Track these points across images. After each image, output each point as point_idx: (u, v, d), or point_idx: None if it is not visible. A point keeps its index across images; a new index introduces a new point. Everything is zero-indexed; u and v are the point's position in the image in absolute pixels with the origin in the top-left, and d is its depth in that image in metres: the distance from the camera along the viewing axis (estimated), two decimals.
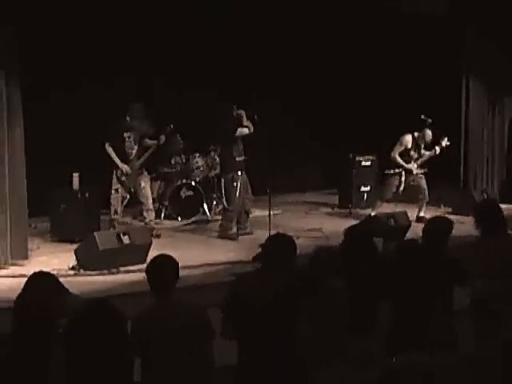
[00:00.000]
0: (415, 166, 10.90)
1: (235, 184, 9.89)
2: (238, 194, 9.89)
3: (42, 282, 4.13)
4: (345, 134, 12.79)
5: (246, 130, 9.94)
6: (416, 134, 10.83)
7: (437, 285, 5.32)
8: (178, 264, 4.53)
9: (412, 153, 10.86)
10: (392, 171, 10.89)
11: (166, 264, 4.51)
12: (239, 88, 11.43)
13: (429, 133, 10.76)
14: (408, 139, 10.84)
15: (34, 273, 4.20)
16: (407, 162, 10.84)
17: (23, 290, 4.08)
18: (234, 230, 10.08)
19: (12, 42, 8.46)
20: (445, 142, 10.78)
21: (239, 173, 9.94)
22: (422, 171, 10.95)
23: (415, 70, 12.62)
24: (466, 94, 12.24)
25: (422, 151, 10.90)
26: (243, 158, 10.05)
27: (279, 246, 4.86)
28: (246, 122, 9.92)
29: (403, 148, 10.84)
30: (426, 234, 5.69)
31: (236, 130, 9.90)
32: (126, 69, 11.08)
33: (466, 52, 12.06)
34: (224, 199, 10.02)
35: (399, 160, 10.84)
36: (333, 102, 13.02)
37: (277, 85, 12.30)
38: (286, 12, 12.01)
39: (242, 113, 9.93)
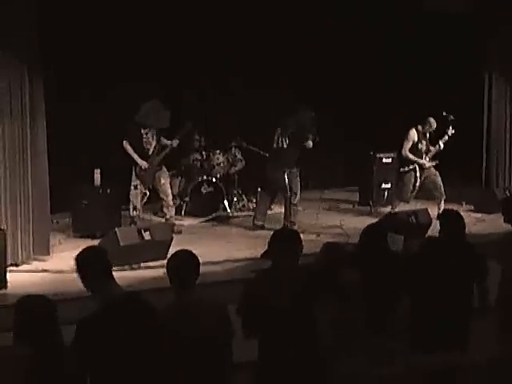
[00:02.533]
0: (427, 159, 10.91)
1: (299, 178, 10.16)
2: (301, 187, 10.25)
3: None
4: (366, 130, 12.76)
5: (310, 144, 10.20)
6: (420, 126, 10.83)
7: (458, 281, 5.32)
8: (198, 259, 4.47)
9: (420, 146, 10.88)
10: (407, 168, 10.91)
11: (186, 259, 4.45)
12: (261, 84, 11.44)
13: (432, 121, 10.79)
14: (413, 133, 10.88)
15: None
16: (418, 157, 10.85)
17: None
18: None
19: (33, 38, 8.52)
20: (450, 131, 10.77)
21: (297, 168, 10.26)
22: (434, 163, 10.94)
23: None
24: (489, 91, 12.17)
25: (430, 146, 10.90)
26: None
27: (284, 240, 4.83)
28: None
29: (411, 143, 10.86)
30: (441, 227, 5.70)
31: (307, 139, 10.19)
32: (148, 67, 11.11)
33: (489, 49, 11.98)
34: (289, 192, 10.11)
35: (411, 156, 10.86)
36: (354, 99, 12.98)
37: (298, 82, 12.29)
38: (308, 12, 12.05)
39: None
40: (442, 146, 10.84)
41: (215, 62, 11.68)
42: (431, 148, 10.92)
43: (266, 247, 4.87)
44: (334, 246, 5.32)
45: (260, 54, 11.97)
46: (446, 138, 10.83)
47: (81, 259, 4.21)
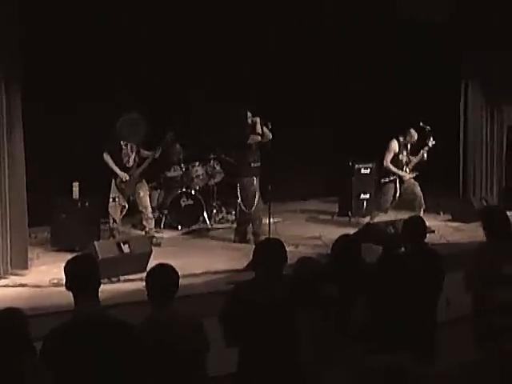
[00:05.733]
0: (407, 170, 10.96)
1: (253, 188, 9.98)
2: (257, 197, 9.99)
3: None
4: (345, 141, 12.82)
5: (258, 138, 10.04)
6: (401, 137, 10.88)
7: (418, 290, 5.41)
8: (177, 274, 4.43)
9: (401, 156, 10.91)
10: (387, 179, 10.94)
11: (165, 274, 4.42)
12: (241, 94, 11.45)
13: (413, 132, 10.82)
14: (394, 144, 10.89)
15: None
16: (399, 168, 10.89)
17: None
18: (250, 235, 10.19)
19: (15, 52, 8.48)
20: (431, 142, 10.83)
21: (254, 178, 10.04)
22: (414, 175, 10.99)
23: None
24: (465, 101, 12.27)
25: (411, 157, 10.96)
26: (258, 164, 10.12)
27: (269, 252, 4.83)
28: (259, 130, 10.01)
29: (392, 153, 10.89)
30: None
31: (249, 136, 10.02)
32: (126, 78, 11.09)
33: (465, 59, 12.08)
34: (242, 204, 10.04)
35: (392, 167, 10.88)
36: (333, 109, 13.05)
37: (277, 92, 12.32)
38: (282, 16, 12.13)
39: (257, 120, 10.01)
40: (423, 157, 10.89)
41: (194, 74, 11.68)
42: (412, 159, 10.97)
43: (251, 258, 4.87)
44: (307, 261, 5.28)
45: (239, 67, 12.00)
46: (427, 149, 10.87)
47: (73, 268, 4.13)
